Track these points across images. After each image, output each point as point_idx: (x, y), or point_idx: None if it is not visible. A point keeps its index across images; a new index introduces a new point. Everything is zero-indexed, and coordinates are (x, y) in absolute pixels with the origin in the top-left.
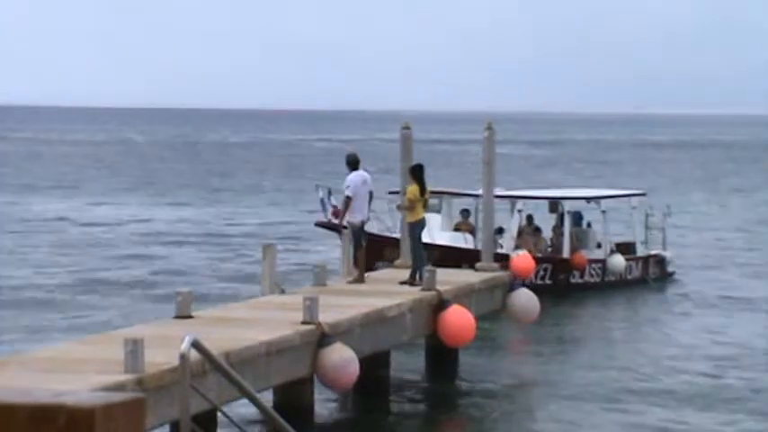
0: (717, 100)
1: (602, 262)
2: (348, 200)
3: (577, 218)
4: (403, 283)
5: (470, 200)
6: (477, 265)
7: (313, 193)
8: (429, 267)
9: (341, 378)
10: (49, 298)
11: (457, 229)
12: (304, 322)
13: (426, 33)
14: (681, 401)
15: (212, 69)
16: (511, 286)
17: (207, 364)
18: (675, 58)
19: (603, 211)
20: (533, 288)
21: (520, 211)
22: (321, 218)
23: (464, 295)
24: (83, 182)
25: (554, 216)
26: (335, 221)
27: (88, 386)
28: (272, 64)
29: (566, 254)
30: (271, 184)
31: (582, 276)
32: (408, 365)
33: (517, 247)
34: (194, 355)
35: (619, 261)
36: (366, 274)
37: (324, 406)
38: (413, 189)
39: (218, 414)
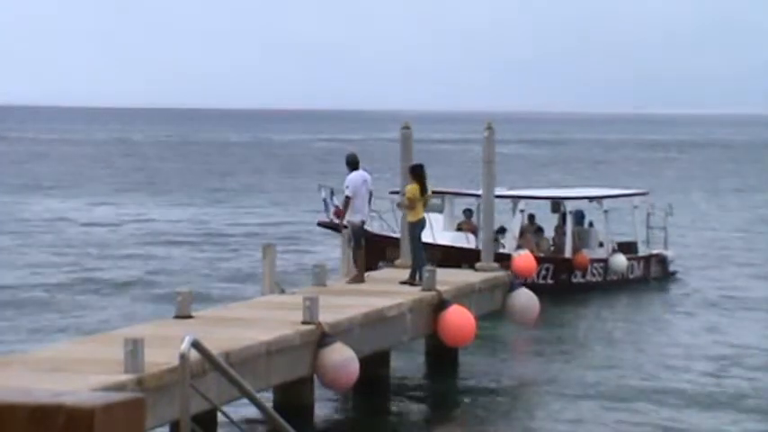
0: (717, 100)
1: (604, 261)
2: (348, 200)
3: (579, 217)
4: (403, 282)
5: (473, 200)
6: (477, 264)
7: (313, 192)
8: (429, 267)
9: (341, 378)
10: (48, 298)
11: (459, 228)
12: (304, 322)
13: (426, 33)
14: (682, 401)
15: (212, 69)
16: (511, 286)
17: (207, 364)
18: (675, 58)
19: (605, 211)
20: (535, 288)
21: (522, 210)
22: (323, 218)
23: (464, 295)
24: (83, 182)
25: (556, 216)
26: (338, 221)
27: (88, 386)
28: (272, 64)
29: (568, 253)
30: (271, 184)
31: (584, 276)
32: (408, 365)
33: (519, 246)
34: (194, 354)
35: (620, 261)
36: (366, 274)
37: (324, 406)
38: (413, 188)
39: (218, 414)
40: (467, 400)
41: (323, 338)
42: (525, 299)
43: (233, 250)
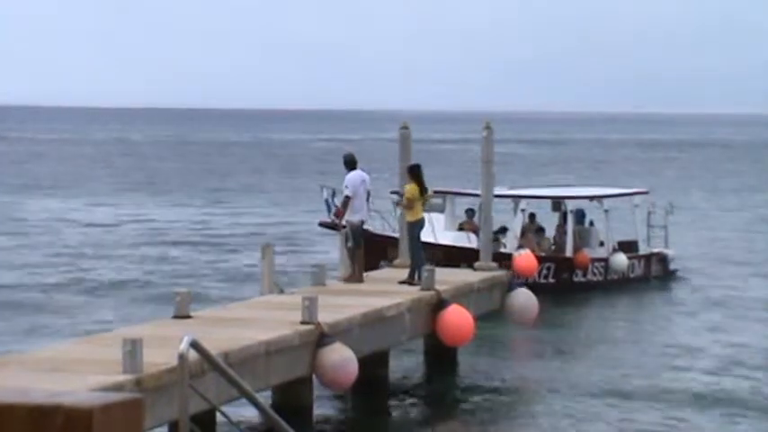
0: (717, 100)
1: (605, 260)
2: (347, 199)
3: (580, 216)
4: (402, 282)
5: (475, 199)
6: (476, 264)
7: (312, 192)
8: (428, 267)
9: (340, 378)
10: (47, 298)
11: (461, 228)
12: (303, 322)
13: (426, 33)
14: (682, 400)
15: (212, 69)
16: (509, 286)
17: (206, 364)
18: (675, 58)
19: (606, 210)
20: (536, 287)
21: (523, 210)
22: (325, 218)
23: (463, 295)
24: (82, 182)
25: (556, 215)
26: (338, 221)
27: (86, 386)
28: (272, 64)
29: (568, 253)
30: (270, 184)
31: (585, 275)
32: (407, 365)
33: (520, 246)
34: (193, 355)
35: (621, 259)
36: (365, 274)
37: (323, 406)
38: (412, 188)
39: (217, 414)
40: (466, 399)
41: (322, 338)
42: (524, 298)
43: (232, 250)
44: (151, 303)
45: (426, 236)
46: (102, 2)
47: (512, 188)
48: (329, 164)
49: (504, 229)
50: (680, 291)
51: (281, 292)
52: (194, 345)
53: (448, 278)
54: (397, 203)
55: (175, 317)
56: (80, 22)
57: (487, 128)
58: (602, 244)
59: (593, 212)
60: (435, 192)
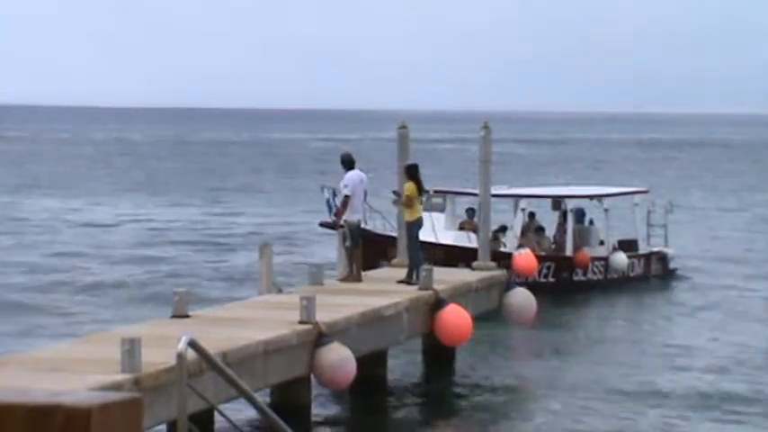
0: (716, 100)
1: (605, 259)
2: (347, 198)
3: (580, 215)
4: (400, 282)
5: (475, 199)
6: (474, 263)
7: (311, 192)
8: (426, 266)
9: (338, 377)
10: (46, 298)
11: (461, 228)
12: (301, 322)
13: (426, 33)
14: (682, 400)
15: (212, 69)
16: (508, 285)
17: (204, 363)
18: (675, 58)
19: (606, 209)
20: (536, 286)
21: (523, 209)
22: (326, 218)
23: (461, 294)
24: (82, 181)
25: (556, 214)
26: (338, 221)
27: (85, 386)
28: (272, 64)
29: (568, 252)
30: (268, 184)
31: (585, 274)
32: (405, 365)
33: (520, 245)
34: (191, 354)
35: (621, 258)
36: (363, 273)
37: (321, 405)
38: (410, 187)
39: (216, 414)
40: (464, 398)
41: (320, 338)
42: (522, 298)
43: (230, 250)
44: (149, 303)
45: (427, 235)
46: (102, 2)
47: (511, 187)
48: (328, 164)
49: (504, 229)
50: (680, 290)
51: (280, 291)
52: (192, 344)
53: (446, 278)
54: (394, 202)
55: (174, 316)
56: (80, 22)
57: (485, 127)
58: (602, 243)
59: (592, 211)
60: (436, 191)
